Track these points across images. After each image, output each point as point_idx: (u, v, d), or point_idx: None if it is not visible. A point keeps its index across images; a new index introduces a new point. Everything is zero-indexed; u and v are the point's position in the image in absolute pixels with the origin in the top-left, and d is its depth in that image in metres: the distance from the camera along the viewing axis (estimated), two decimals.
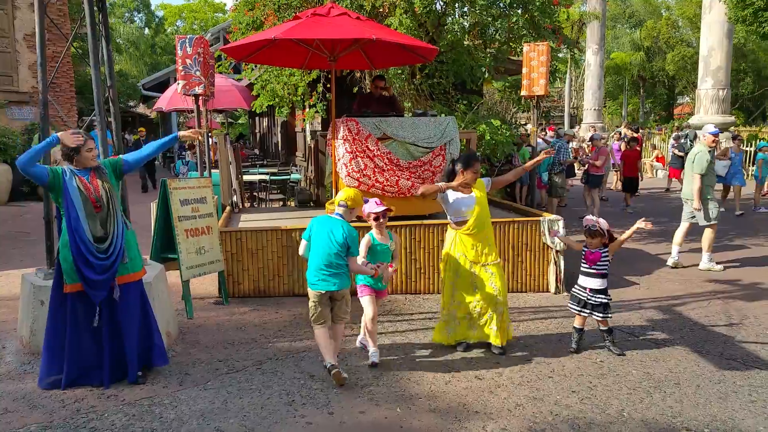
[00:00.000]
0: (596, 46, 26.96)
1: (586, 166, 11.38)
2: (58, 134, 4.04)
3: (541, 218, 6.58)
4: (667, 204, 12.95)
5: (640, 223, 4.75)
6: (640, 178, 13.51)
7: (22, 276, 4.91)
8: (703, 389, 4.18)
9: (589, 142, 12.28)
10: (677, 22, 36.55)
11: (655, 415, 3.79)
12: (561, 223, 6.41)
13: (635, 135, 15.54)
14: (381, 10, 8.21)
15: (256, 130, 25.72)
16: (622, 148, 15.02)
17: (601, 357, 4.75)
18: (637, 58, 35.65)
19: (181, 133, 4.58)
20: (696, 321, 5.67)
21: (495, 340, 4.75)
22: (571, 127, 28.31)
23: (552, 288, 6.58)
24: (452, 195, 4.77)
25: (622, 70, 36.26)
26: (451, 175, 4.83)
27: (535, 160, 5.27)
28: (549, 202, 11.26)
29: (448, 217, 4.87)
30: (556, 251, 6.51)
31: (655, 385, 4.24)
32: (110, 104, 5.08)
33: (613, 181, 15.57)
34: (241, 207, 8.44)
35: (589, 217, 4.96)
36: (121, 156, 4.37)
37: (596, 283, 4.82)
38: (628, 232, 4.87)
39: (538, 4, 8.33)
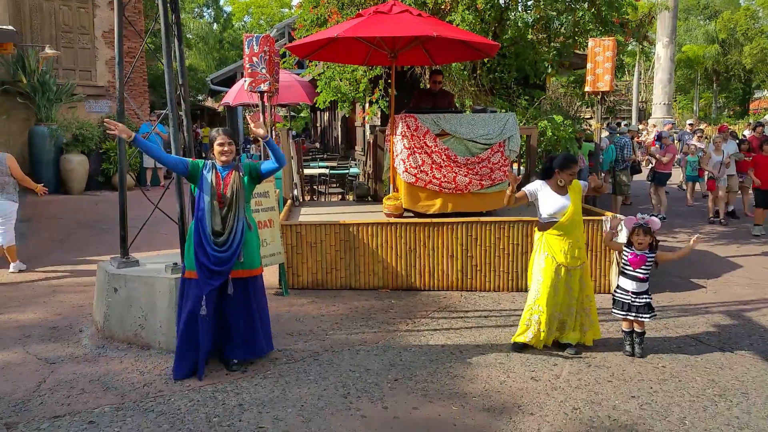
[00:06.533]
0: (667, 38, 25.96)
1: (654, 162, 10.99)
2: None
3: (603, 218, 6.42)
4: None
5: (695, 243, 4.76)
6: None
7: (98, 264, 5.21)
8: None
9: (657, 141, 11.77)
10: (757, 13, 34.69)
11: (720, 425, 3.66)
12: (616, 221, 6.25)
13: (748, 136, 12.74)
14: (443, 6, 8.19)
15: (317, 124, 26.11)
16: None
17: (663, 362, 4.62)
18: (711, 50, 34.06)
19: (257, 131, 4.36)
20: (767, 327, 5.42)
21: (583, 339, 4.81)
22: (640, 121, 27.38)
23: (614, 289, 6.40)
24: (545, 195, 4.69)
25: (694, 63, 34.79)
26: (547, 173, 4.73)
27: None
28: (613, 200, 10.95)
29: (539, 217, 4.79)
30: (618, 252, 6.32)
31: (720, 393, 4.10)
32: (182, 101, 5.28)
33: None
34: (301, 200, 8.62)
35: (641, 215, 4.82)
36: (260, 162, 4.54)
37: (639, 287, 4.71)
38: (683, 251, 4.89)
39: None
